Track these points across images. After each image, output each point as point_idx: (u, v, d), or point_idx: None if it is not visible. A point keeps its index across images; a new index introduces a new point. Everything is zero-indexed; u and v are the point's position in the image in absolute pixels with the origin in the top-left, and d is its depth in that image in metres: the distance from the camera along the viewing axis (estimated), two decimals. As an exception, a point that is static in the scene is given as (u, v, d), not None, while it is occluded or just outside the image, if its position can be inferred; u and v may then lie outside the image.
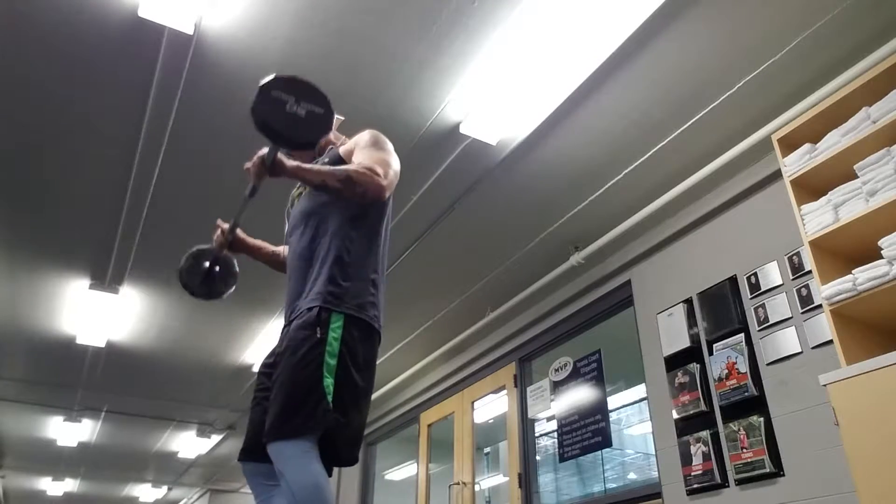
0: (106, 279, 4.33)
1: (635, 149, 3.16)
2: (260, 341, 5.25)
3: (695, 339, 3.28)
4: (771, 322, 2.94)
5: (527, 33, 2.54)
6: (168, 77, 2.75)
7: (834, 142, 2.51)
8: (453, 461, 5.18)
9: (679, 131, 3.03)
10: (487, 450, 6.03)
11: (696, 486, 3.06)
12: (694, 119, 2.96)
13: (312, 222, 1.84)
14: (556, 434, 4.19)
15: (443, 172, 3.31)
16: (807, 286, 2.81)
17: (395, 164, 1.85)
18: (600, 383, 3.96)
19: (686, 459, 3.14)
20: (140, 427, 7.53)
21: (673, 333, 3.39)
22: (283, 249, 2.12)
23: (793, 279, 2.89)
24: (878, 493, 1.98)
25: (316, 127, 1.59)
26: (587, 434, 3.92)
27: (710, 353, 3.17)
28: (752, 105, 2.87)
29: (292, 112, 1.55)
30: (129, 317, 4.85)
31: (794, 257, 2.90)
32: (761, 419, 2.85)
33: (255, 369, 5.67)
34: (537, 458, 4.44)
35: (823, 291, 2.38)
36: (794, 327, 2.84)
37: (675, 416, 3.26)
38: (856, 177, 2.41)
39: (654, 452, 3.42)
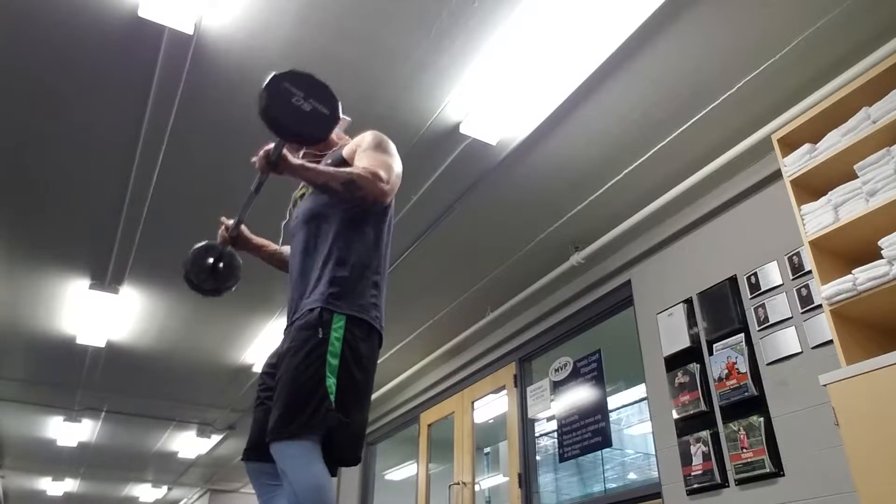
0: (106, 279, 4.33)
1: (635, 149, 3.16)
2: (260, 341, 5.25)
3: (695, 339, 3.28)
4: (771, 322, 2.94)
5: (527, 33, 2.54)
6: (168, 77, 2.75)
7: (834, 142, 2.51)
8: (453, 461, 5.18)
9: (679, 131, 3.03)
10: (487, 450, 6.03)
11: (696, 486, 3.06)
12: (694, 119, 2.96)
13: (315, 223, 1.85)
14: (556, 434, 4.19)
15: (443, 172, 3.31)
16: (807, 286, 2.81)
17: (398, 167, 1.86)
18: (600, 383, 3.96)
19: (686, 459, 3.14)
20: (140, 427, 7.53)
21: (673, 333, 3.39)
22: (285, 249, 2.13)
23: (793, 279, 2.89)
24: (878, 493, 1.98)
25: (316, 126, 1.59)
26: (587, 434, 3.92)
27: (710, 353, 3.17)
28: (752, 105, 2.87)
29: (297, 105, 1.55)
30: (129, 317, 4.85)
31: (794, 257, 2.90)
32: (761, 419, 2.85)
33: (256, 369, 5.67)
34: (537, 458, 4.44)
35: (823, 291, 2.38)
36: (794, 327, 2.84)
37: (675, 416, 3.26)
38: (856, 177, 2.41)
39: (654, 452, 3.42)
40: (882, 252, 2.25)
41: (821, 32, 2.51)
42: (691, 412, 3.17)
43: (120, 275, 4.28)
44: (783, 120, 2.78)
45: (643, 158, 3.20)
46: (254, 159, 1.72)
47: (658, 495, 3.31)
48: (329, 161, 1.93)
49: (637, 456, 4.86)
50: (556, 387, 4.28)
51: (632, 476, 4.90)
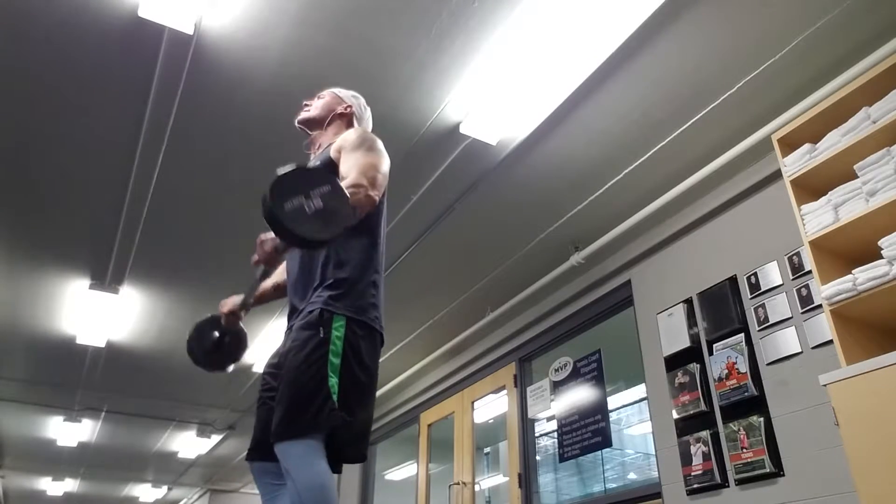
0: (106, 279, 4.33)
1: (635, 149, 3.16)
2: (260, 341, 5.24)
3: (695, 339, 3.28)
4: (771, 322, 2.94)
5: (527, 33, 2.54)
6: (168, 77, 2.75)
7: (834, 142, 2.51)
8: (453, 461, 5.18)
9: (679, 131, 3.03)
10: (487, 450, 6.03)
11: (696, 486, 3.06)
12: (694, 119, 2.96)
13: None
14: (556, 434, 4.19)
15: (443, 172, 3.31)
16: (807, 286, 2.81)
17: (384, 164, 1.82)
18: (600, 383, 3.96)
19: (686, 459, 3.14)
20: (140, 427, 7.53)
21: (673, 333, 3.39)
22: (277, 275, 2.05)
23: (793, 279, 2.89)
24: (878, 493, 1.98)
25: (337, 205, 1.48)
26: (587, 434, 3.92)
27: (710, 353, 3.17)
28: (752, 105, 2.87)
29: (313, 210, 1.42)
30: (129, 317, 4.85)
31: (794, 257, 2.90)
32: (761, 419, 2.85)
33: (256, 369, 5.67)
34: (537, 458, 4.44)
35: (823, 291, 2.38)
36: (794, 327, 2.84)
37: (675, 416, 3.26)
38: (856, 177, 2.41)
39: (654, 452, 3.42)
40: (882, 252, 2.25)
41: (821, 32, 2.51)
42: (691, 412, 3.17)
43: (120, 275, 4.28)
44: (783, 120, 2.78)
45: (643, 158, 3.20)
46: (256, 258, 1.61)
47: (658, 495, 3.31)
48: (318, 164, 1.91)
49: (637, 456, 4.85)
50: (556, 387, 4.28)
51: (632, 476, 4.90)
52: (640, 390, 3.99)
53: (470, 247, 4.02)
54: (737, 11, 2.47)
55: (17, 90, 2.85)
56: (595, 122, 3.01)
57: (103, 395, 6.44)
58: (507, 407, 4.73)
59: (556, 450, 4.16)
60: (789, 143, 2.68)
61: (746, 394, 2.93)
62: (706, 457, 3.04)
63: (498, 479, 5.58)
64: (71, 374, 5.89)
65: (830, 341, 2.49)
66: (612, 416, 4.00)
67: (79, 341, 5.09)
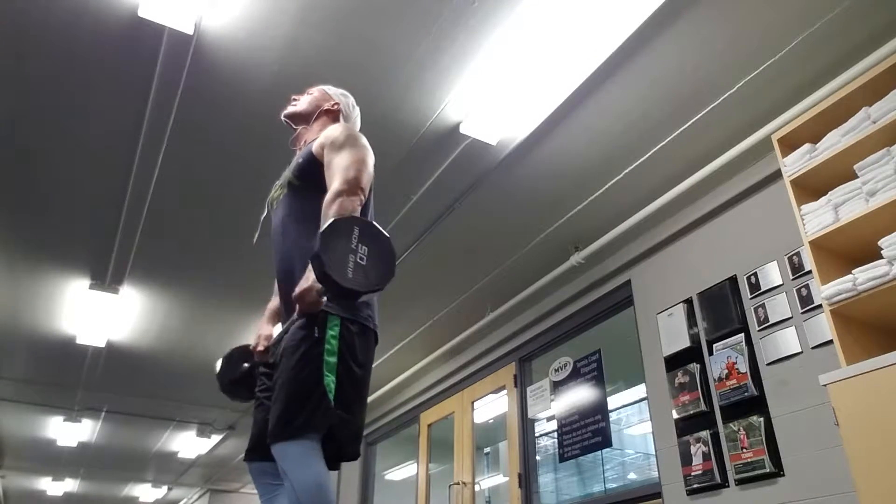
0: (106, 279, 4.33)
1: (635, 149, 3.16)
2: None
3: (695, 339, 3.28)
4: (771, 322, 2.94)
5: (527, 33, 2.54)
6: (168, 77, 2.75)
7: (834, 142, 2.51)
8: (453, 461, 5.18)
9: (679, 131, 3.03)
10: (487, 450, 6.03)
11: (696, 486, 3.06)
12: (694, 119, 2.96)
13: (295, 228, 1.83)
14: (556, 434, 4.19)
15: (443, 172, 3.31)
16: (807, 286, 2.81)
17: (369, 159, 1.81)
18: (600, 383, 3.96)
19: (686, 459, 3.14)
20: (140, 427, 7.53)
21: (673, 333, 3.39)
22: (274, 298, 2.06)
23: (793, 279, 2.89)
24: (878, 493, 1.98)
25: (384, 250, 1.51)
26: (587, 434, 3.92)
27: (710, 353, 3.17)
28: (752, 105, 2.87)
29: (365, 260, 1.46)
30: (129, 317, 4.85)
31: (794, 257, 2.90)
32: (761, 419, 2.85)
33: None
34: (537, 458, 4.44)
35: (823, 291, 2.37)
36: (794, 327, 2.84)
37: (675, 416, 3.26)
38: (856, 177, 2.41)
39: (654, 452, 3.42)
40: (882, 252, 2.25)
41: (821, 32, 2.51)
42: (691, 412, 3.17)
43: (120, 275, 4.28)
44: (783, 120, 2.78)
45: (643, 158, 3.20)
46: (302, 309, 1.61)
47: (658, 495, 3.31)
48: (300, 160, 1.90)
49: (637, 456, 4.85)
50: (556, 387, 4.28)
51: (632, 476, 4.90)
52: (640, 390, 3.99)
53: (470, 247, 4.02)
54: (737, 11, 2.47)
55: (17, 90, 2.84)
56: (595, 122, 3.01)
57: (103, 395, 6.44)
58: (507, 407, 4.73)
59: (556, 450, 4.16)
60: (789, 143, 2.68)
61: (746, 394, 2.93)
62: (706, 457, 3.04)
63: (498, 479, 5.58)
64: (71, 374, 5.89)
65: (830, 341, 2.49)
66: (612, 416, 4.00)
67: (79, 341, 5.09)
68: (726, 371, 3.05)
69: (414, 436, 5.93)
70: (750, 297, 3.07)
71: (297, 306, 1.62)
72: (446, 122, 3.00)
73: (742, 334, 3.04)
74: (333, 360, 1.62)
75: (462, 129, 3.00)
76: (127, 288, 4.45)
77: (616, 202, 3.52)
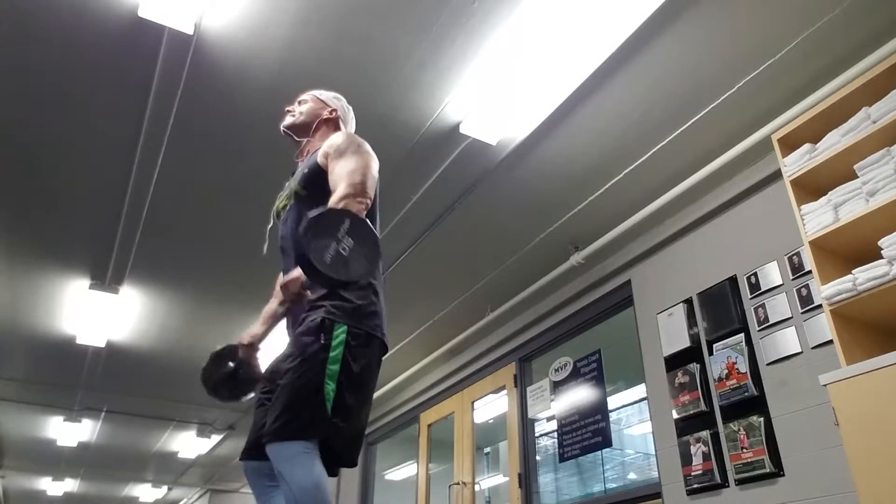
0: (106, 279, 4.33)
1: (635, 149, 3.16)
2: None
3: (695, 339, 3.28)
4: (771, 322, 2.94)
5: (527, 33, 2.54)
6: (168, 77, 2.75)
7: (834, 142, 2.51)
8: (453, 461, 5.18)
9: (679, 131, 3.03)
10: (487, 450, 6.03)
11: (696, 486, 3.06)
12: (694, 119, 2.96)
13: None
14: (556, 434, 4.19)
15: (443, 172, 3.31)
16: (807, 286, 2.81)
17: (373, 165, 1.82)
18: (600, 383, 3.96)
19: (686, 459, 3.14)
20: (140, 427, 7.52)
21: (673, 333, 3.39)
22: (273, 299, 2.06)
23: (793, 279, 2.89)
24: (878, 493, 1.98)
25: (370, 248, 1.50)
26: (587, 434, 3.92)
27: (710, 353, 3.17)
28: (752, 105, 2.87)
29: (348, 251, 1.45)
30: (129, 317, 4.85)
31: (794, 257, 2.90)
32: (761, 419, 2.85)
33: (255, 369, 5.67)
34: (537, 458, 4.44)
35: (823, 291, 2.37)
36: (794, 327, 2.84)
37: (675, 416, 3.26)
38: (856, 177, 2.41)
39: (654, 452, 3.42)
40: (882, 252, 2.25)
41: (821, 32, 2.51)
42: (691, 412, 3.17)
43: (120, 275, 4.28)
44: (783, 120, 2.78)
45: (643, 158, 3.20)
46: (288, 296, 1.61)
47: (658, 495, 3.31)
48: (305, 171, 1.91)
49: (637, 456, 4.85)
50: (556, 387, 4.28)
51: (632, 476, 4.90)
52: (640, 390, 3.98)
53: (470, 247, 4.02)
54: (737, 11, 2.47)
55: (18, 90, 2.84)
56: (595, 123, 3.01)
57: (103, 395, 6.44)
58: (507, 407, 4.73)
59: (556, 450, 4.16)
60: (789, 143, 2.68)
61: (746, 394, 2.93)
62: (706, 457, 3.04)
63: (498, 479, 5.58)
64: (71, 374, 5.89)
65: (830, 341, 2.49)
66: (612, 416, 4.00)
67: (79, 341, 5.09)
68: (726, 371, 3.05)
69: (414, 436, 5.93)
70: (750, 297, 3.07)
71: (283, 294, 1.62)
72: (446, 122, 3.00)
73: (742, 334, 3.04)
74: (336, 367, 1.63)
75: (462, 129, 3.00)
76: (127, 288, 4.45)
77: (616, 202, 3.52)
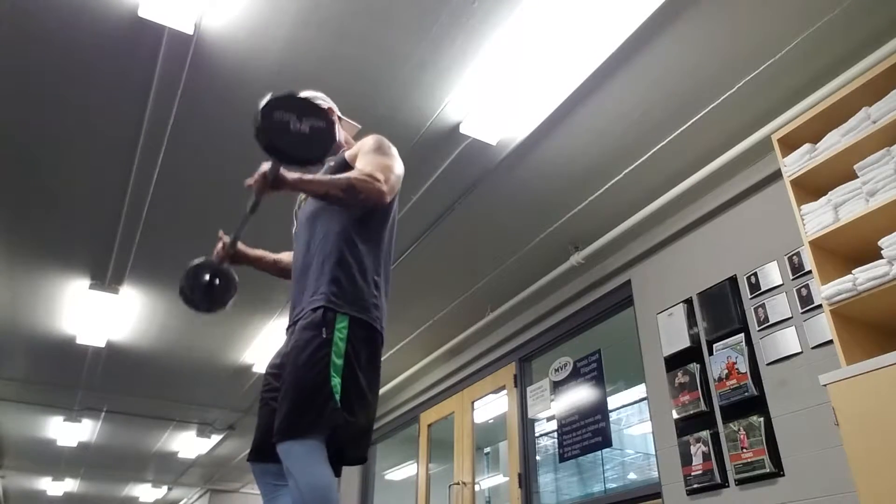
0: (106, 279, 4.33)
1: (635, 149, 3.16)
2: (260, 341, 5.25)
3: (695, 339, 3.28)
4: (771, 322, 2.94)
5: (527, 33, 2.54)
6: (168, 77, 2.75)
7: (834, 142, 2.51)
8: (453, 461, 5.18)
9: (679, 131, 3.03)
10: (487, 450, 6.03)
11: (696, 486, 3.06)
12: (694, 119, 2.96)
13: (317, 224, 1.86)
14: (556, 434, 4.19)
15: (443, 172, 3.31)
16: (807, 286, 2.81)
17: (398, 168, 1.87)
18: (600, 383, 3.96)
19: (686, 459, 3.14)
20: (140, 427, 7.52)
21: (673, 333, 3.39)
22: (283, 256, 2.17)
23: (793, 279, 2.89)
24: (878, 493, 1.98)
25: (321, 141, 1.58)
26: (587, 434, 3.92)
27: (710, 353, 3.17)
28: (752, 105, 2.87)
29: (297, 130, 1.54)
30: (129, 317, 4.85)
31: (794, 257, 2.90)
32: (761, 419, 2.85)
33: (256, 369, 5.67)
34: (537, 458, 4.44)
35: (823, 291, 2.38)
36: (794, 327, 2.84)
37: (675, 416, 3.26)
38: (856, 177, 2.41)
39: (654, 452, 3.42)
40: (882, 252, 2.25)
41: (821, 32, 2.51)
42: (691, 412, 3.17)
43: (120, 275, 4.28)
44: (783, 120, 2.78)
45: (643, 158, 3.20)
46: (249, 182, 1.72)
47: (658, 495, 3.31)
48: (332, 164, 1.94)
49: (637, 456, 4.85)
50: (556, 387, 4.28)
51: (632, 476, 4.90)
52: (640, 390, 3.99)
53: (470, 247, 4.02)
54: (737, 11, 2.47)
55: (17, 90, 2.84)
56: (595, 123, 3.01)
57: (103, 395, 6.44)
58: (507, 407, 4.73)
59: (556, 450, 4.16)
60: (789, 143, 2.68)
61: (746, 394, 2.93)
62: (706, 457, 3.04)
63: (498, 479, 5.58)
64: (71, 374, 5.89)
65: (830, 341, 2.49)
66: (612, 416, 4.00)
67: (79, 341, 5.09)
68: (726, 371, 3.05)
69: (414, 436, 5.93)
70: (750, 297, 3.07)
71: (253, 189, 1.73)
72: (446, 122, 3.00)
73: (742, 334, 3.04)
74: (340, 361, 1.64)
75: (462, 129, 3.00)
76: (127, 288, 4.45)
77: (616, 202, 3.52)
